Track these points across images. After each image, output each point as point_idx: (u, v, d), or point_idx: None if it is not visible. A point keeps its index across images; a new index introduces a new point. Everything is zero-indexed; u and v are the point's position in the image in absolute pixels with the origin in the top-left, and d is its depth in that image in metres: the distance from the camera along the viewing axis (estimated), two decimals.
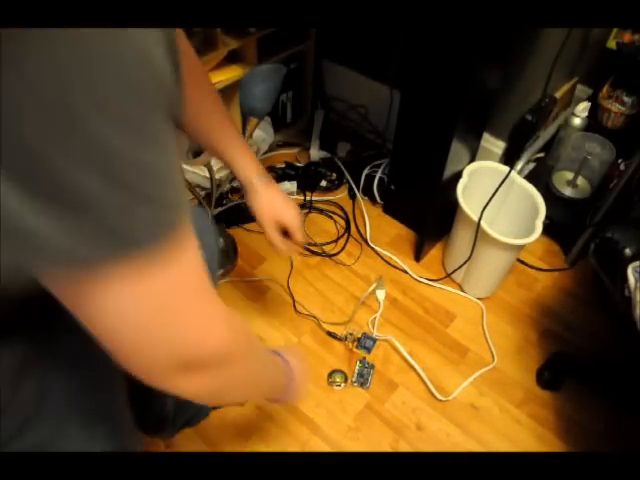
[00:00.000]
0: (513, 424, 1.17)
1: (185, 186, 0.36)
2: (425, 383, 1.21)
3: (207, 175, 1.36)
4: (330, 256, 1.47)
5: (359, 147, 1.75)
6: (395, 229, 1.56)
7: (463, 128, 1.26)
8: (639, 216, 1.19)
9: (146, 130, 0.32)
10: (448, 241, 1.43)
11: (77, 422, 0.56)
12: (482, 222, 1.20)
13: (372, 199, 1.62)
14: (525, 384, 1.24)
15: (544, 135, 1.57)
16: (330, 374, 1.21)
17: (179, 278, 0.38)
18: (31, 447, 0.52)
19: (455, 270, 1.39)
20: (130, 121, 0.31)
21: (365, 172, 1.66)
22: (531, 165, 1.57)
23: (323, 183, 1.65)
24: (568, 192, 1.50)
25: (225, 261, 1.42)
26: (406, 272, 1.45)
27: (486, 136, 1.57)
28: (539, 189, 1.28)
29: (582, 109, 1.47)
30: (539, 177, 1.50)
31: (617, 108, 1.43)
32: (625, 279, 0.87)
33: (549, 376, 1.22)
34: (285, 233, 0.97)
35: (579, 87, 1.58)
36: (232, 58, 1.44)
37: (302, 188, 1.63)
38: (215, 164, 1.51)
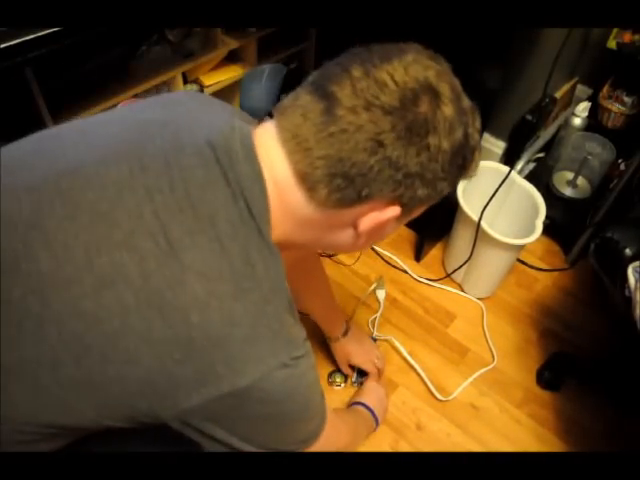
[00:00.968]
0: (513, 424, 1.17)
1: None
2: (425, 383, 1.21)
3: None
4: (330, 256, 1.47)
5: None
6: None
7: None
8: (639, 216, 1.19)
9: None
10: (448, 241, 1.43)
11: None
12: (482, 222, 1.20)
13: None
14: (525, 384, 1.24)
15: (544, 135, 1.57)
16: (330, 374, 1.21)
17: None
18: None
19: (455, 270, 1.39)
20: None
21: None
22: (531, 165, 1.57)
23: None
24: (568, 192, 1.50)
25: None
26: (406, 272, 1.44)
27: (486, 136, 1.57)
28: (539, 189, 1.28)
29: (582, 109, 1.47)
30: (539, 177, 1.50)
31: (617, 108, 1.43)
32: (625, 279, 0.87)
33: (549, 376, 1.22)
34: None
35: (579, 87, 1.58)
36: (232, 58, 1.44)
37: None
38: None
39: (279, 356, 0.50)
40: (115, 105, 1.20)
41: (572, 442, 1.14)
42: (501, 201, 1.31)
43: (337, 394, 1.19)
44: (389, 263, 1.47)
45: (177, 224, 0.48)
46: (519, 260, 1.46)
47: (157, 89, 1.30)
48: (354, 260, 1.46)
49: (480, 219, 1.20)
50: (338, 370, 1.21)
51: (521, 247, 1.29)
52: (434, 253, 1.51)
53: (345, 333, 1.12)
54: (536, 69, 1.37)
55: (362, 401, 1.07)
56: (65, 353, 0.47)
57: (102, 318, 0.46)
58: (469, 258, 1.30)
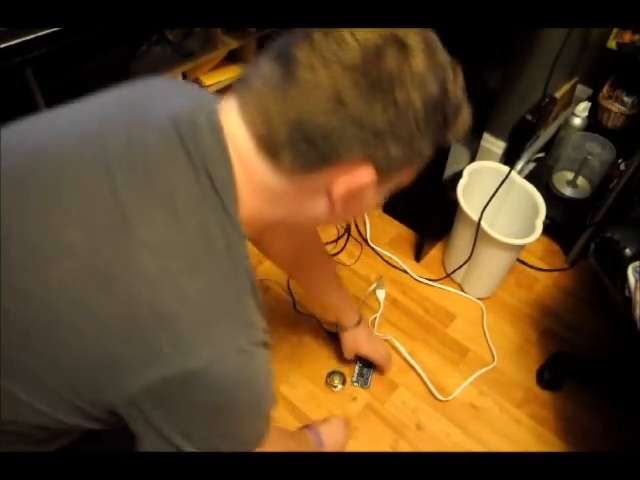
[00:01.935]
0: (513, 424, 1.17)
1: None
2: (425, 383, 1.21)
3: None
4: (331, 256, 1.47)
5: None
6: (395, 229, 1.56)
7: None
8: (639, 216, 1.19)
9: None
10: (448, 241, 1.43)
11: None
12: (482, 222, 1.20)
13: None
14: (525, 384, 1.24)
15: (544, 135, 1.57)
16: (329, 375, 1.21)
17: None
18: None
19: (455, 270, 1.39)
20: None
21: None
22: (531, 165, 1.57)
23: None
24: (568, 192, 1.50)
25: None
26: (406, 272, 1.44)
27: (486, 136, 1.57)
28: (539, 189, 1.28)
29: (582, 109, 1.47)
30: (539, 177, 1.50)
31: (617, 108, 1.43)
32: (625, 279, 0.87)
33: (549, 376, 1.22)
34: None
35: (579, 87, 1.58)
36: (232, 58, 1.43)
37: None
38: None
39: (237, 340, 0.48)
40: None
41: (572, 442, 1.14)
42: (501, 201, 1.31)
43: (337, 394, 1.19)
44: (389, 263, 1.47)
45: (135, 201, 0.46)
46: (519, 260, 1.46)
47: None
48: (354, 260, 1.46)
49: (480, 219, 1.20)
50: (337, 372, 1.21)
51: (521, 247, 1.29)
52: (434, 253, 1.51)
53: (358, 323, 1.12)
54: (536, 69, 1.37)
55: (317, 429, 1.04)
56: (10, 334, 0.45)
57: (44, 296, 0.45)
58: (469, 258, 1.30)
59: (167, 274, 0.46)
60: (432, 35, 0.48)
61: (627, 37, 1.26)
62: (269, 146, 0.47)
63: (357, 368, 1.22)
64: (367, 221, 1.56)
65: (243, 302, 0.50)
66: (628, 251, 0.92)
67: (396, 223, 1.57)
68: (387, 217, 1.58)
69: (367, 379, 1.21)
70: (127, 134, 0.49)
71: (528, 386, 1.23)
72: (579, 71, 1.54)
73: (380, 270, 1.45)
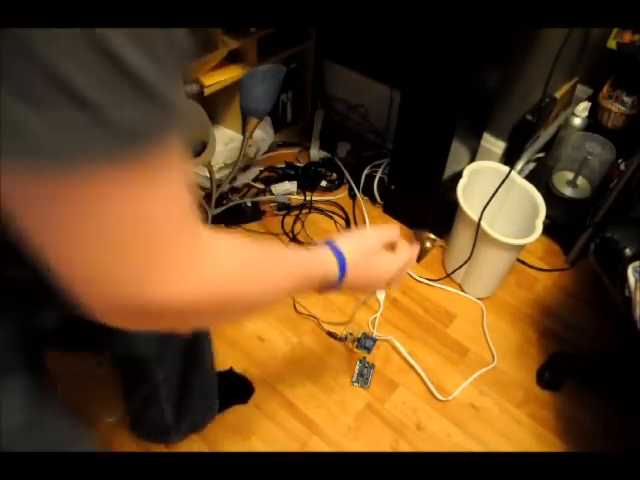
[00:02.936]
0: (513, 424, 1.17)
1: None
2: (425, 383, 1.21)
3: (207, 175, 1.36)
4: None
5: (359, 147, 1.75)
6: None
7: (463, 128, 1.26)
8: (639, 216, 1.19)
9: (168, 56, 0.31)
10: (448, 241, 1.43)
11: None
12: (482, 222, 1.20)
13: (372, 199, 1.62)
14: (525, 384, 1.24)
15: (544, 135, 1.57)
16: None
17: (161, 196, 0.33)
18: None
19: (455, 270, 1.39)
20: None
21: (365, 172, 1.65)
22: (531, 165, 1.57)
23: (323, 183, 1.65)
24: (568, 192, 1.50)
25: None
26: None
27: (486, 136, 1.57)
28: (539, 189, 1.28)
29: (582, 109, 1.47)
30: (539, 177, 1.50)
31: (617, 108, 1.43)
32: (625, 279, 0.87)
33: (549, 376, 1.22)
34: None
35: (579, 87, 1.58)
36: (232, 58, 1.44)
37: (302, 188, 1.63)
38: (215, 164, 1.51)
39: None
40: None
41: (572, 442, 1.14)
42: (501, 201, 1.31)
43: (337, 394, 1.18)
44: None
45: None
46: (519, 260, 1.46)
47: None
48: None
49: (480, 219, 1.20)
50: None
51: (521, 247, 1.29)
52: (434, 253, 1.51)
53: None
54: (536, 69, 1.37)
55: (337, 245, 0.59)
56: None
57: None
58: (469, 258, 1.30)
59: None
60: None
61: (627, 37, 1.26)
62: None
63: (357, 368, 1.22)
64: (367, 221, 1.56)
65: None
66: (628, 251, 0.92)
67: (396, 223, 1.57)
68: (387, 217, 1.59)
69: (367, 379, 1.21)
70: None
71: (528, 386, 1.23)
72: (579, 71, 1.54)
73: None
